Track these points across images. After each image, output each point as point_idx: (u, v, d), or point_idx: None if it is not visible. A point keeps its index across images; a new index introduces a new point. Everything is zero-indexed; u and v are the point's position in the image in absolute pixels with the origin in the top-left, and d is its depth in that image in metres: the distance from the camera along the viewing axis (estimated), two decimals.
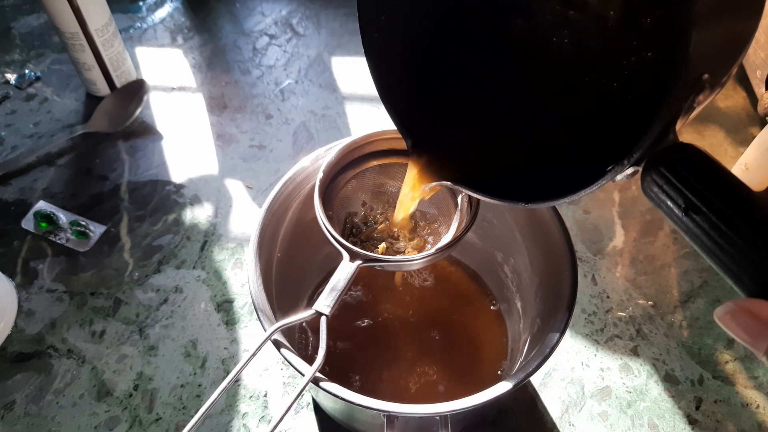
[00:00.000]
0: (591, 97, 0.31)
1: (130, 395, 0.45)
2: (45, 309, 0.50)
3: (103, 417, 0.44)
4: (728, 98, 0.64)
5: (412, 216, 0.40)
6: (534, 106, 0.33)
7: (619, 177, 0.26)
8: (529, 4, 0.31)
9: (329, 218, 0.36)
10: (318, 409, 0.45)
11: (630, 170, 0.26)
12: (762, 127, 0.54)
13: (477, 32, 0.33)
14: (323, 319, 0.32)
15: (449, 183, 0.34)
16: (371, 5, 0.33)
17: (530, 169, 0.32)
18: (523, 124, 0.34)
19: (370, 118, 0.64)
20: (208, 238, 0.55)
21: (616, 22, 0.29)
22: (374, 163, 0.41)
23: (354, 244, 0.35)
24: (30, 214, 0.55)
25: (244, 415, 0.44)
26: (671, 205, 0.24)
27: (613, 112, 0.30)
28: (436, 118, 0.35)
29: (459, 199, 0.38)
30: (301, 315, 0.32)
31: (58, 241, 0.54)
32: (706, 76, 0.23)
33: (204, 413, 0.28)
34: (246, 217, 0.56)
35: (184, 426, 0.29)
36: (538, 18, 0.32)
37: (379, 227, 0.40)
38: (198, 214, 0.56)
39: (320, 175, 0.37)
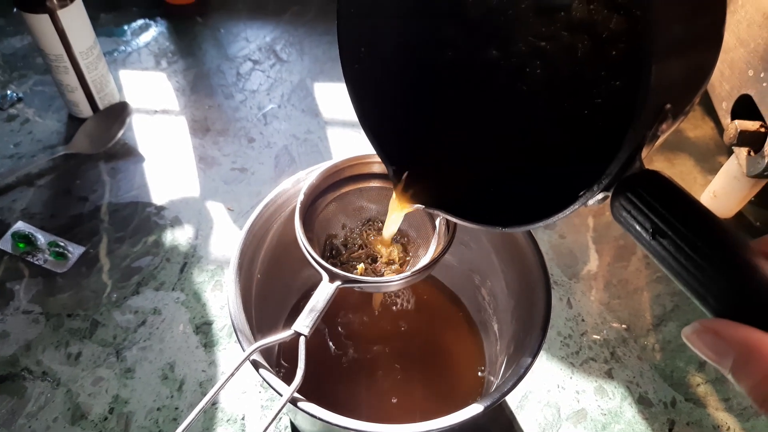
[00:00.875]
0: (564, 124, 0.32)
1: (105, 419, 0.45)
2: (20, 331, 0.49)
3: None
4: (697, 128, 0.66)
5: (396, 237, 0.40)
6: (509, 132, 0.34)
7: (590, 202, 0.27)
8: (503, 36, 0.33)
9: (309, 240, 0.37)
10: None
11: (600, 195, 0.27)
12: (729, 156, 0.56)
13: (453, 63, 0.35)
14: (302, 340, 0.32)
15: (428, 208, 0.34)
16: (351, 38, 0.34)
17: (506, 193, 0.33)
18: (498, 149, 0.35)
19: (352, 143, 0.66)
20: (188, 259, 0.55)
21: (585, 53, 0.31)
22: (354, 186, 0.42)
23: (334, 266, 0.36)
24: (8, 235, 0.55)
25: None
26: (639, 230, 0.25)
27: (584, 139, 0.32)
28: (415, 145, 0.36)
29: (437, 222, 0.39)
30: (280, 335, 0.33)
31: (36, 262, 0.53)
32: (668, 106, 0.24)
33: None
34: (226, 240, 0.56)
35: None
36: (512, 48, 0.33)
37: (358, 249, 0.41)
38: (178, 236, 0.56)
39: (301, 197, 0.38)
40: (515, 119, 0.34)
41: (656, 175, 0.25)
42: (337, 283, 0.35)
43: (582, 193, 0.27)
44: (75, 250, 0.54)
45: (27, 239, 0.54)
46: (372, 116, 0.36)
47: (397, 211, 0.36)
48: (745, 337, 0.21)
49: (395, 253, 0.41)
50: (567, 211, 0.27)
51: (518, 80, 0.34)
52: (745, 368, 0.21)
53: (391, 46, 0.35)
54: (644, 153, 0.26)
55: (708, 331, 0.22)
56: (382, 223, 0.42)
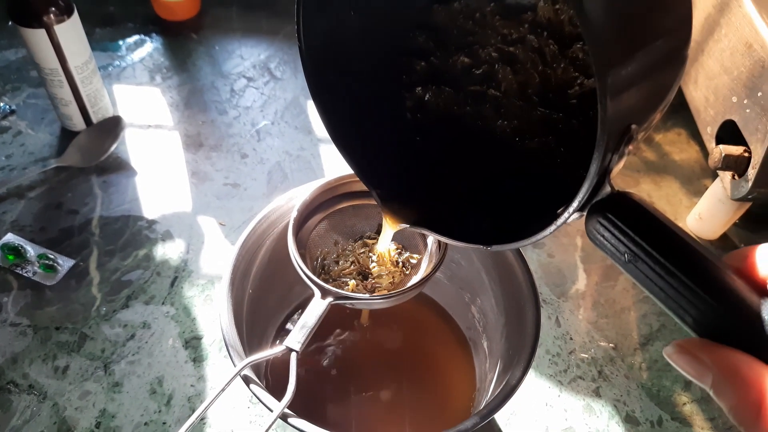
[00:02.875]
0: (543, 132, 0.32)
1: None
2: (7, 343, 0.49)
3: None
4: (683, 152, 0.68)
5: (394, 255, 0.41)
6: (489, 146, 0.35)
7: (569, 220, 0.27)
8: (472, 41, 0.33)
9: (302, 256, 0.37)
10: None
11: (576, 215, 0.27)
12: (714, 179, 0.57)
13: (426, 76, 0.35)
14: (293, 356, 0.33)
15: (415, 227, 0.35)
16: (316, 67, 0.33)
17: (490, 214, 0.33)
18: (479, 165, 0.35)
19: (343, 161, 0.66)
20: (179, 274, 0.55)
21: (553, 55, 0.31)
22: (346, 203, 0.42)
23: (325, 282, 0.36)
24: None
25: None
26: (615, 252, 0.26)
27: (561, 154, 0.32)
28: (397, 168, 0.36)
29: (428, 241, 0.40)
30: (272, 351, 0.33)
31: (25, 275, 0.53)
32: (633, 126, 0.24)
33: None
34: (218, 254, 0.56)
35: None
36: (482, 54, 0.33)
37: (349, 265, 0.41)
38: (169, 250, 0.56)
39: (294, 213, 0.38)
40: (493, 132, 0.34)
41: (625, 198, 0.25)
42: (329, 299, 0.35)
43: (555, 218, 0.27)
44: (65, 263, 0.54)
45: (16, 251, 0.54)
46: (349, 140, 0.36)
47: (388, 229, 0.36)
48: (721, 358, 0.21)
49: (386, 269, 0.41)
50: (546, 232, 0.27)
51: (492, 87, 0.33)
52: (723, 389, 0.21)
53: (362, 67, 0.35)
54: (614, 173, 0.26)
55: (686, 351, 0.23)
56: (374, 239, 0.43)
